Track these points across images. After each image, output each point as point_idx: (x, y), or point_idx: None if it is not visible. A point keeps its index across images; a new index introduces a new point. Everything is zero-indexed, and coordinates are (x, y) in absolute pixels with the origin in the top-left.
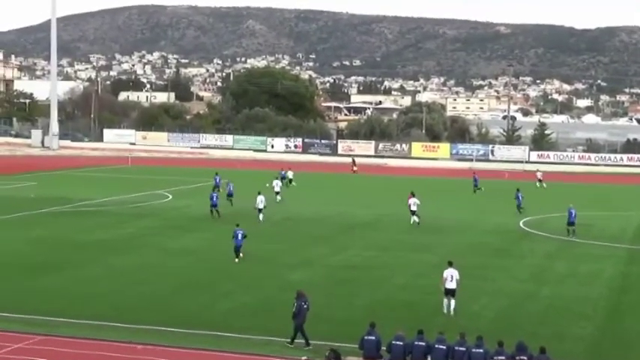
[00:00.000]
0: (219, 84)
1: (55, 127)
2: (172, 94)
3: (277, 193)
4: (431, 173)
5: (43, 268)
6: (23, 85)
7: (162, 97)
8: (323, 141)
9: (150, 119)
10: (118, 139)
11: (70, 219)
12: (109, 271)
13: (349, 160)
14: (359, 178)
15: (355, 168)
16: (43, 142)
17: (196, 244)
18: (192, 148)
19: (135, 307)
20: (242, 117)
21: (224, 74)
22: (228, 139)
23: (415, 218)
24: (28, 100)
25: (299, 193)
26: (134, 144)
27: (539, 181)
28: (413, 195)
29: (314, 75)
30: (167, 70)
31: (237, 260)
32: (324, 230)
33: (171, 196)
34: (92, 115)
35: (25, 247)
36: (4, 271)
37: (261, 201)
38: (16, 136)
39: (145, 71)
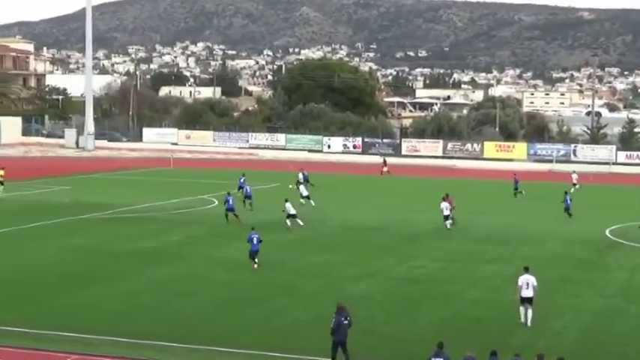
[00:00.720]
0: (269, 77)
1: (90, 125)
2: (218, 89)
3: (306, 196)
4: (505, 176)
5: (79, 280)
6: (56, 79)
7: (207, 93)
8: (385, 140)
9: (194, 117)
10: (159, 139)
11: (109, 226)
12: (151, 284)
13: (415, 162)
14: (425, 181)
15: (386, 169)
16: (77, 143)
17: (245, 255)
18: (240, 148)
19: (178, 323)
20: (295, 114)
21: (275, 67)
22: (280, 138)
23: (448, 223)
24: (61, 97)
25: (359, 198)
26: (176, 144)
27: (574, 185)
28: (447, 197)
29: (375, 67)
30: (212, 63)
31: (255, 267)
32: (387, 239)
33: (217, 202)
34: (130, 113)
35: (61, 256)
36: (38, 283)
37: (291, 207)
38: (49, 135)
39: (188, 64)
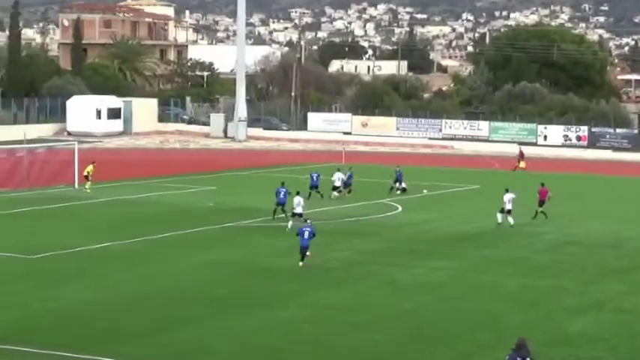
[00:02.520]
0: (469, 49)
1: (242, 110)
2: (404, 64)
3: (336, 188)
4: None
5: (221, 306)
6: (200, 51)
7: (389, 68)
8: (618, 130)
9: (372, 99)
10: (328, 127)
11: (261, 237)
12: (313, 312)
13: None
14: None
15: (522, 164)
16: (225, 131)
17: (436, 276)
18: (430, 139)
19: None
20: (502, 96)
21: (477, 35)
22: (483, 126)
23: (509, 219)
24: (206, 73)
25: (586, 205)
26: (350, 133)
27: None
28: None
29: (606, 35)
30: (397, 30)
31: (301, 264)
32: (621, 260)
33: (400, 208)
34: (293, 94)
35: (198, 275)
36: (168, 310)
37: (298, 203)
38: (191, 122)
39: (366, 31)
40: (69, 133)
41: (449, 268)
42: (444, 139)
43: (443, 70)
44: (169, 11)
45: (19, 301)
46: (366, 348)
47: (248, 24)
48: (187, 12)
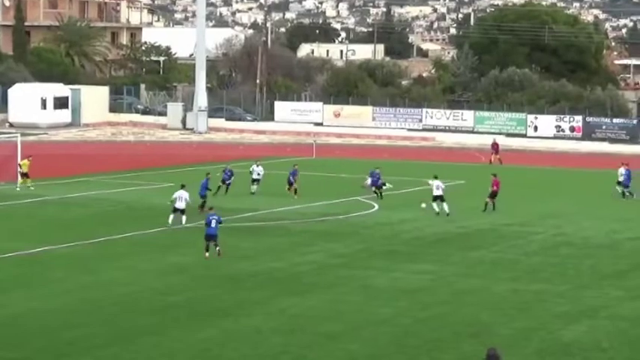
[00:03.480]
0: (452, 31)
1: (202, 98)
2: (380, 48)
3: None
4: None
5: (181, 314)
6: (156, 34)
7: (364, 52)
8: (616, 120)
9: (346, 86)
10: (297, 118)
11: (225, 238)
12: (284, 321)
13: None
14: None
15: (497, 156)
16: (184, 122)
17: (417, 281)
18: (410, 130)
19: None
20: (488, 82)
21: (460, 16)
22: (467, 116)
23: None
24: (162, 58)
25: (581, 203)
26: (321, 124)
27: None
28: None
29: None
30: (373, 11)
31: (207, 255)
32: (617, 262)
33: (377, 206)
34: (258, 81)
35: (157, 281)
36: (122, 317)
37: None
38: (146, 112)
39: (338, 12)
40: (11, 125)
41: (431, 272)
42: (424, 130)
43: (423, 54)
44: None
45: None
46: (340, 359)
47: (209, 4)
48: None
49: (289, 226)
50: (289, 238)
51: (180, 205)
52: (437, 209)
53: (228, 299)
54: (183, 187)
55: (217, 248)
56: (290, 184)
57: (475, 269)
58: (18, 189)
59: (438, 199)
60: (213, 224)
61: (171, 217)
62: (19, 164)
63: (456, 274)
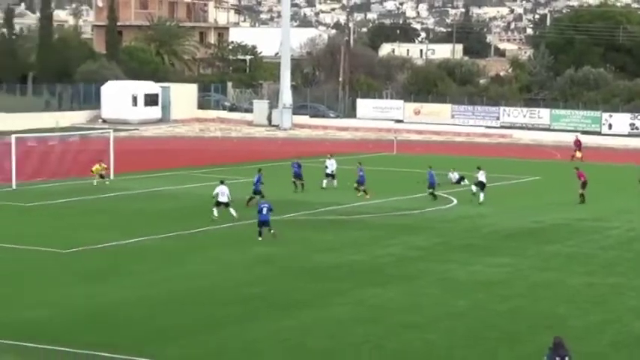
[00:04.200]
0: (529, 31)
1: (287, 96)
2: (459, 47)
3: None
4: None
5: (263, 305)
6: (243, 34)
7: (443, 52)
8: None
9: (426, 85)
10: (379, 115)
11: (307, 232)
12: (364, 311)
13: None
14: None
15: (578, 154)
16: (270, 119)
17: (495, 274)
18: (487, 127)
19: None
20: (564, 81)
21: (537, 17)
22: (543, 114)
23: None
24: (248, 57)
25: None
26: (402, 121)
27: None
28: (479, 168)
29: None
30: (451, 12)
31: (260, 239)
32: None
33: (456, 201)
34: (341, 79)
35: (241, 272)
36: (206, 308)
37: (223, 193)
38: (232, 109)
39: (418, 13)
40: (104, 121)
41: (509, 265)
42: (502, 127)
43: (500, 54)
44: None
45: (55, 297)
46: (419, 349)
47: (293, 5)
48: None
49: (369, 220)
50: (370, 231)
51: (223, 199)
52: (474, 190)
53: (310, 290)
54: (222, 182)
55: (272, 231)
56: (359, 183)
57: (550, 263)
58: (107, 183)
59: (479, 185)
60: (264, 211)
61: (215, 210)
62: (92, 170)
63: (532, 268)
